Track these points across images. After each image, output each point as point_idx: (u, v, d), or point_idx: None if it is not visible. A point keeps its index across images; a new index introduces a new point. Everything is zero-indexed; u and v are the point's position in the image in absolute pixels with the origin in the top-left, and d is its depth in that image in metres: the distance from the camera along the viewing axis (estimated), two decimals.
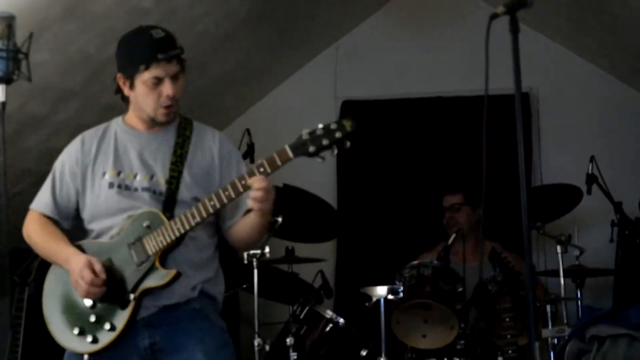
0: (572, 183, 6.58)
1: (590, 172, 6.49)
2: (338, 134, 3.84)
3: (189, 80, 4.37)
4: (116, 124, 4.33)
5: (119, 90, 4.21)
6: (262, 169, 3.87)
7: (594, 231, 6.91)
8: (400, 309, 5.87)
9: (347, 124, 3.84)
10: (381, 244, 7.74)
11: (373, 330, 5.96)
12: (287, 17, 7.28)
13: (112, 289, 4.04)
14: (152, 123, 4.20)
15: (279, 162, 3.87)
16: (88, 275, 3.94)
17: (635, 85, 7.74)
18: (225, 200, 3.96)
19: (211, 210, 3.97)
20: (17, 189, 6.19)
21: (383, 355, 5.75)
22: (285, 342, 5.98)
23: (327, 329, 6.07)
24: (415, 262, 6.15)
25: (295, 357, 5.96)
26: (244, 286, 6.41)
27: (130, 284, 4.04)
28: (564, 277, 6.26)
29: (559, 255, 6.27)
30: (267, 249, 6.19)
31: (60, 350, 6.45)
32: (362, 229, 7.87)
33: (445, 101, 7.81)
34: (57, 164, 4.31)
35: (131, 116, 4.28)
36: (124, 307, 4.04)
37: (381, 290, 5.86)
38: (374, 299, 5.90)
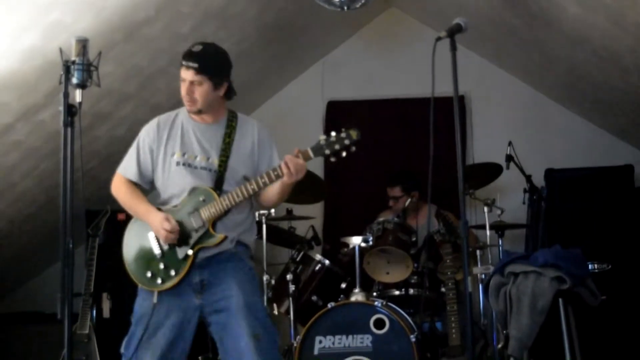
0: (496, 161, 6.59)
1: (508, 153, 6.51)
2: (347, 142, 4.01)
3: None
4: (183, 114, 4.40)
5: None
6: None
7: (511, 196, 6.90)
8: (370, 253, 5.92)
9: (354, 134, 4.01)
10: (356, 206, 7.73)
11: (350, 269, 5.99)
12: (287, 40, 7.27)
13: (177, 244, 4.13)
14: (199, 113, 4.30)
15: (303, 159, 4.03)
16: (168, 225, 4.06)
17: (541, 89, 7.79)
18: (262, 186, 4.07)
19: (251, 192, 4.09)
20: (89, 166, 6.19)
21: (357, 287, 5.76)
22: (286, 277, 6.03)
23: (317, 268, 6.10)
24: (381, 219, 6.19)
25: (293, 288, 6.00)
26: (255, 237, 6.42)
27: (190, 243, 4.11)
28: (489, 229, 6.27)
29: (486, 214, 6.28)
30: (272, 210, 6.23)
31: (121, 284, 6.48)
32: (342, 194, 7.85)
33: (403, 101, 7.79)
34: (140, 139, 4.35)
35: None
36: (185, 259, 4.12)
37: (356, 240, 5.90)
38: (351, 246, 5.94)
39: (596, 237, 6.61)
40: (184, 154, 4.24)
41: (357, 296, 5.71)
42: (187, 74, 4.21)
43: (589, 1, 5.17)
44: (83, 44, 3.77)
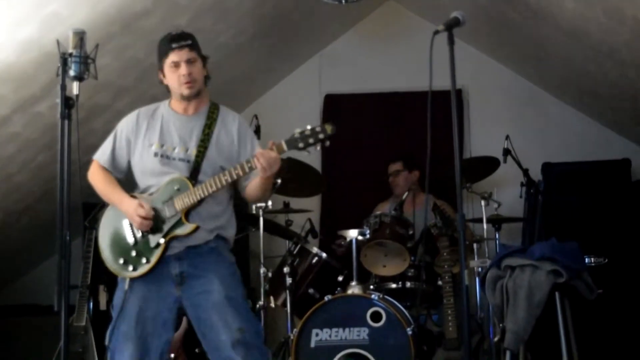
0: (493, 155, 6.60)
1: (505, 147, 6.51)
2: (321, 136, 4.00)
3: (212, 77, 4.45)
4: (164, 106, 4.38)
5: (161, 82, 4.35)
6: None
7: (508, 190, 6.92)
8: (367, 246, 5.92)
9: (329, 128, 3.99)
10: (353, 199, 7.74)
11: (347, 262, 5.99)
12: (285, 34, 7.28)
13: (150, 232, 4.14)
14: (185, 100, 4.28)
15: (277, 152, 3.99)
16: (143, 211, 4.08)
17: (539, 83, 7.81)
18: (235, 177, 4.07)
19: (224, 183, 4.08)
20: (86, 159, 6.16)
21: (354, 280, 5.77)
22: (283, 270, 6.03)
23: (314, 261, 6.11)
24: (378, 212, 6.21)
25: (290, 281, 6.00)
26: (253, 230, 6.43)
27: (162, 231, 4.13)
28: (486, 223, 6.28)
29: (483, 207, 6.30)
30: (269, 203, 6.23)
31: (109, 273, 6.45)
32: (339, 187, 7.86)
33: (400, 95, 7.79)
34: (117, 129, 4.38)
35: (173, 101, 4.35)
36: (156, 247, 4.13)
37: (353, 233, 5.89)
38: (348, 239, 5.94)
39: (593, 231, 6.62)
40: (162, 145, 4.25)
41: (354, 289, 5.71)
42: (181, 54, 4.19)
43: None
44: (80, 37, 3.78)
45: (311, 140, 4.01)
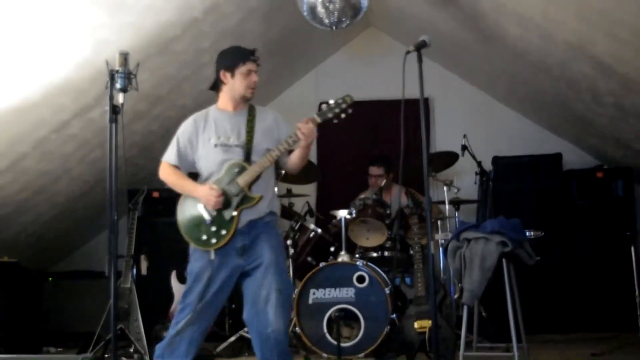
0: (453, 150, 6.58)
1: (463, 143, 6.49)
2: (344, 105, 4.06)
3: None
4: (212, 110, 4.27)
5: (215, 84, 4.25)
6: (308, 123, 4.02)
7: (465, 178, 6.91)
8: (353, 223, 5.91)
9: (348, 99, 4.06)
10: (342, 186, 7.72)
11: (337, 236, 5.99)
12: (287, 53, 7.26)
13: (223, 209, 4.08)
14: (241, 101, 4.21)
15: (313, 124, 4.00)
16: (214, 191, 4.00)
17: (489, 93, 7.79)
18: (282, 151, 4.04)
19: (275, 158, 4.04)
20: (129, 154, 6.16)
21: (343, 250, 5.77)
22: (287, 243, 6.01)
23: (311, 235, 6.10)
24: (362, 196, 6.18)
25: (292, 251, 5.99)
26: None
27: (233, 206, 4.05)
28: (448, 204, 6.28)
29: (445, 192, 6.28)
30: (275, 189, 6.20)
31: (156, 248, 6.52)
32: (332, 176, 7.84)
33: (380, 102, 7.75)
34: (179, 133, 4.21)
35: (223, 102, 4.25)
36: (231, 220, 4.05)
37: (342, 212, 5.89)
38: (338, 217, 5.93)
39: (532, 210, 6.63)
40: (219, 137, 4.15)
41: (343, 257, 5.70)
42: (254, 66, 4.17)
43: (526, 23, 5.18)
44: (125, 57, 3.77)
45: (337, 110, 4.05)
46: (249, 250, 4.08)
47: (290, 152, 4.15)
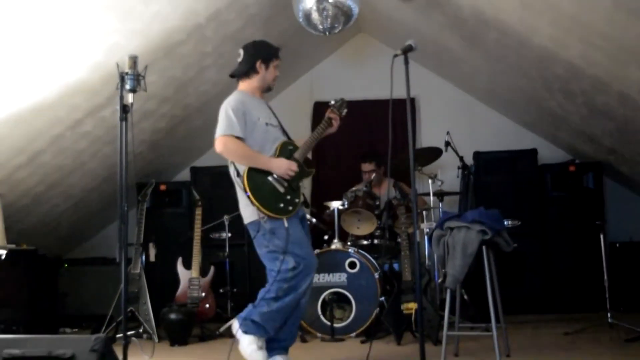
0: (437, 146, 6.58)
1: (446, 140, 6.50)
2: (345, 104, 4.49)
3: (230, 89, 4.38)
4: (244, 95, 4.25)
5: (244, 72, 4.30)
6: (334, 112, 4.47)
7: (448, 171, 6.91)
8: (346, 213, 5.91)
9: (344, 99, 4.50)
10: (335, 179, 7.71)
11: (331, 225, 6.00)
12: (284, 56, 7.22)
13: (291, 181, 4.17)
14: (266, 90, 4.38)
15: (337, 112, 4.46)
16: (293, 165, 4.13)
17: (471, 93, 7.79)
18: (322, 132, 4.36)
19: (322, 135, 4.37)
20: (138, 150, 6.18)
21: (336, 238, 5.78)
22: None
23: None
24: (354, 189, 6.18)
25: None
26: None
27: (297, 177, 4.17)
28: (432, 196, 6.27)
29: (430, 184, 6.27)
30: None
31: (163, 237, 6.49)
32: (326, 170, 7.84)
33: (370, 102, 7.73)
34: (233, 108, 4.09)
35: (250, 89, 4.30)
36: (298, 189, 4.19)
37: (335, 204, 5.89)
38: (332, 208, 5.94)
39: (510, 201, 6.65)
40: (262, 118, 4.20)
41: (336, 245, 5.71)
42: (278, 62, 4.38)
43: (504, 28, 5.19)
44: (134, 60, 3.77)
45: (344, 109, 4.47)
46: (304, 221, 4.28)
47: None
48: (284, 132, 4.31)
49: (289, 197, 4.10)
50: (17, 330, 5.25)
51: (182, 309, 5.62)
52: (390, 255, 6.12)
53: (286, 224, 4.02)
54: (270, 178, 4.08)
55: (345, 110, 4.46)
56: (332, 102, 4.43)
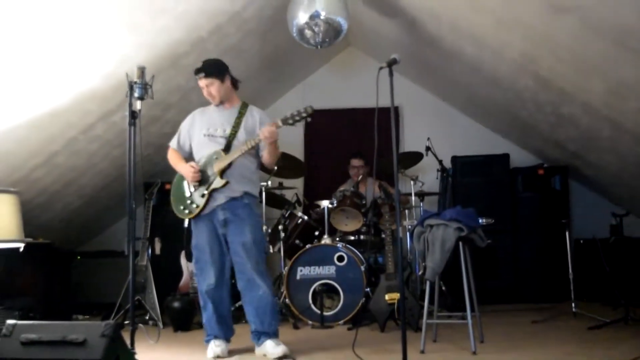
0: (419, 150, 6.61)
1: (427, 145, 6.52)
2: (304, 114, 4.11)
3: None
4: (206, 108, 4.49)
5: (235, 84, 4.52)
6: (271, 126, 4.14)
7: (429, 174, 6.93)
8: (335, 211, 5.91)
9: (309, 109, 4.12)
10: (325, 180, 7.71)
11: (321, 222, 6.00)
12: (279, 68, 7.23)
13: (199, 187, 4.24)
14: (216, 102, 4.39)
15: (275, 127, 4.11)
16: (192, 168, 4.23)
17: (450, 102, 7.79)
18: (249, 147, 4.16)
19: (243, 151, 4.17)
20: (146, 152, 6.15)
21: (326, 234, 5.78)
22: (278, 228, 6.02)
23: (299, 221, 6.09)
24: (342, 189, 6.18)
25: (283, 235, 6.00)
26: (258, 200, 6.39)
27: (206, 186, 4.22)
28: (414, 196, 6.29)
29: (412, 185, 6.30)
30: (269, 182, 6.22)
31: (168, 231, 6.47)
32: (317, 172, 7.84)
33: (357, 110, 7.73)
34: (182, 125, 4.51)
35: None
36: (202, 197, 4.23)
37: (325, 202, 5.89)
38: (322, 207, 5.94)
39: (484, 201, 6.64)
40: (208, 129, 4.34)
41: (326, 240, 5.71)
42: (201, 82, 4.31)
43: (480, 43, 5.20)
44: (142, 70, 3.75)
45: (297, 118, 4.10)
46: (230, 223, 4.22)
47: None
48: (228, 143, 4.27)
49: (189, 201, 4.29)
50: (34, 317, 5.21)
51: (185, 297, 5.61)
52: (375, 249, 6.13)
53: (186, 225, 4.30)
54: (184, 183, 4.35)
55: (305, 120, 4.13)
56: (294, 111, 4.10)
